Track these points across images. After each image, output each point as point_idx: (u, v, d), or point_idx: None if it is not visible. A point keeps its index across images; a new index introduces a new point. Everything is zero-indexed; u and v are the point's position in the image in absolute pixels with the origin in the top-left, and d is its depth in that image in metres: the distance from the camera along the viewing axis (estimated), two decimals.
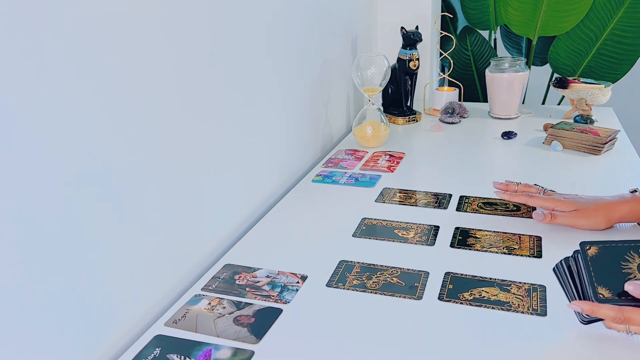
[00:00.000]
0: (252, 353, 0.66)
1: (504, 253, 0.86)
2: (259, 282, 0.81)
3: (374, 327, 0.70)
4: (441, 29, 1.97)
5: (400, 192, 1.12)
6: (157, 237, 0.77)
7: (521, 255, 0.85)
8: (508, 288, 0.77)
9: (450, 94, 1.71)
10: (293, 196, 1.13)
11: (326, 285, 0.80)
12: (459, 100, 1.77)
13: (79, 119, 0.61)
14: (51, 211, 0.58)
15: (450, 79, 1.82)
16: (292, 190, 1.16)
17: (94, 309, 0.66)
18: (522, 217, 0.98)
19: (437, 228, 0.95)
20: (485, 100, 2.16)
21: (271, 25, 1.06)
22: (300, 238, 0.94)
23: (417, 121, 1.64)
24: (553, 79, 2.10)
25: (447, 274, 0.81)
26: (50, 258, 0.59)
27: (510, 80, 1.57)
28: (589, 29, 1.97)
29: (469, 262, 0.84)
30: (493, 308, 0.73)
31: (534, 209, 0.96)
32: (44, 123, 0.56)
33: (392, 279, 0.80)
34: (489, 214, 1.00)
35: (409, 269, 0.83)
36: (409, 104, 1.65)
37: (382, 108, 1.58)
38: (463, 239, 0.91)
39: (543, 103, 2.30)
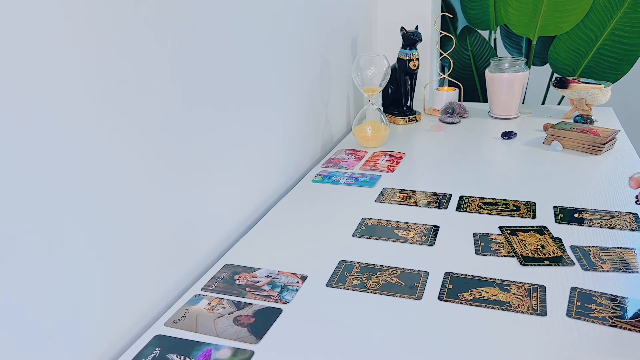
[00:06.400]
0: (252, 353, 0.66)
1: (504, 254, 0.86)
2: (259, 282, 0.81)
3: (374, 327, 0.70)
4: (441, 29, 1.97)
5: (400, 192, 1.12)
6: (157, 237, 0.77)
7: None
8: (508, 288, 0.77)
9: (450, 94, 1.71)
10: (293, 196, 1.13)
11: (326, 285, 0.80)
12: (459, 100, 1.77)
13: (80, 119, 0.61)
14: (51, 210, 0.58)
15: (450, 79, 1.82)
16: (292, 190, 1.16)
17: (93, 309, 0.66)
18: (521, 217, 0.98)
19: (437, 228, 0.95)
20: (485, 100, 2.16)
21: (271, 25, 1.06)
22: (300, 238, 0.94)
23: (417, 121, 1.64)
24: (553, 79, 2.10)
25: (447, 274, 0.81)
26: (50, 258, 0.59)
27: (510, 80, 1.57)
28: (589, 29, 1.97)
29: (468, 262, 0.84)
30: (493, 308, 0.73)
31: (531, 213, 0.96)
32: (43, 122, 0.56)
33: (392, 279, 0.80)
34: (489, 214, 1.00)
35: (409, 269, 0.83)
36: (409, 104, 1.65)
37: (382, 108, 1.58)
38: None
39: (543, 103, 2.30)
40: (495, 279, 0.79)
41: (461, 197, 1.07)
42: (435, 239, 0.92)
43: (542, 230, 0.92)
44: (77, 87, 0.60)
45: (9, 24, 0.51)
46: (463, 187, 1.12)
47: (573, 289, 0.76)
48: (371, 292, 0.77)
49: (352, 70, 1.35)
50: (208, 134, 0.87)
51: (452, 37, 1.93)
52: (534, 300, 0.74)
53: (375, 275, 0.81)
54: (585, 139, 1.31)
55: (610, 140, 1.30)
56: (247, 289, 0.79)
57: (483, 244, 0.89)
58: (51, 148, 0.58)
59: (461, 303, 0.74)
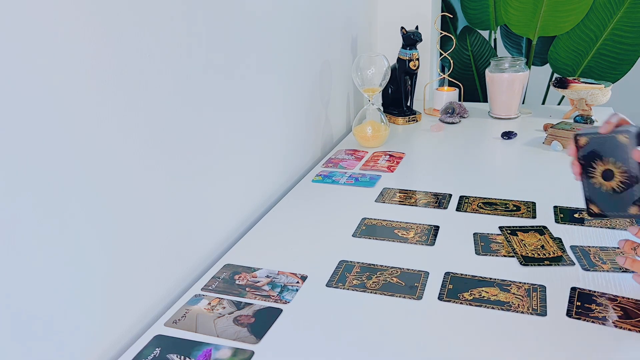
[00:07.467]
0: (252, 353, 0.66)
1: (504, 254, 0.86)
2: (259, 282, 0.81)
3: (374, 327, 0.70)
4: (441, 29, 1.97)
5: (400, 192, 1.12)
6: (157, 237, 0.77)
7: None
8: (508, 288, 0.77)
9: (450, 94, 1.71)
10: (293, 196, 1.13)
11: (326, 285, 0.80)
12: (459, 100, 1.77)
13: (81, 119, 0.61)
14: (51, 211, 0.58)
15: (450, 79, 1.82)
16: (292, 190, 1.16)
17: (94, 309, 0.66)
18: (521, 217, 0.98)
19: (437, 228, 0.95)
20: (485, 100, 2.16)
21: (271, 25, 1.06)
22: (300, 238, 0.94)
23: (417, 121, 1.64)
24: (553, 79, 2.10)
25: (447, 274, 0.81)
26: (51, 258, 0.59)
27: (510, 80, 1.57)
28: (589, 29, 1.97)
29: (468, 262, 0.84)
30: (493, 308, 0.73)
31: (530, 212, 0.96)
32: (45, 122, 0.56)
33: (392, 279, 0.80)
34: (489, 214, 1.00)
35: (409, 269, 0.83)
36: (409, 104, 1.65)
37: (382, 108, 1.58)
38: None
39: (543, 103, 2.31)
40: (495, 279, 0.79)
41: (461, 197, 1.07)
42: (435, 239, 0.91)
43: (542, 230, 0.92)
44: (84, 83, 0.60)
45: (24, 22, 0.51)
46: (463, 187, 1.12)
47: (573, 289, 0.76)
48: (371, 292, 0.77)
49: (352, 70, 1.35)
50: (208, 134, 0.87)
51: (452, 37, 1.92)
52: (534, 300, 0.74)
53: (375, 275, 0.81)
54: None
55: None
56: (247, 289, 0.79)
57: (483, 244, 0.89)
58: (54, 148, 0.58)
59: (461, 303, 0.74)
